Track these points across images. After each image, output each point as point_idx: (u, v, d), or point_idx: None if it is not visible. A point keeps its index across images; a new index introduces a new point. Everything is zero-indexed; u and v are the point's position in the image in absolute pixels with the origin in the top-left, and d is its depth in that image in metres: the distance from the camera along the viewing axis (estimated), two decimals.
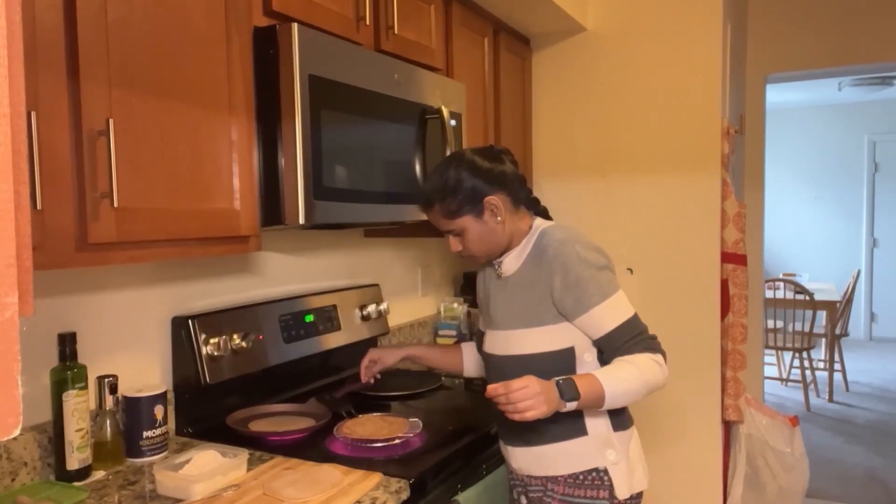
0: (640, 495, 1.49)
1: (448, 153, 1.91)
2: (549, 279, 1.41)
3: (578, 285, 1.39)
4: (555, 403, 1.28)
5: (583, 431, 1.44)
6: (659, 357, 1.40)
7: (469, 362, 1.77)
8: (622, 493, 1.44)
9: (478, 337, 1.71)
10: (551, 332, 1.43)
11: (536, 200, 1.56)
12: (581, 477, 1.44)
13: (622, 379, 1.35)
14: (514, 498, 1.60)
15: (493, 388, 1.29)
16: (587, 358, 1.44)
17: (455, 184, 1.43)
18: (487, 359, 1.55)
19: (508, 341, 1.48)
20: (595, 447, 1.44)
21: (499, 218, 1.45)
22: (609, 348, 1.41)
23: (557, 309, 1.42)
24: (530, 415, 1.25)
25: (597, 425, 1.44)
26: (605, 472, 1.43)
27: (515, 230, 1.49)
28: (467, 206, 1.44)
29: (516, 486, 1.58)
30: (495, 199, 1.44)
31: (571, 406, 1.31)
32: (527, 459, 1.49)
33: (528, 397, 1.25)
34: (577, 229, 1.49)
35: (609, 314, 1.40)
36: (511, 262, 1.50)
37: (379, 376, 1.83)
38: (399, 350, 1.78)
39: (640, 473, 1.49)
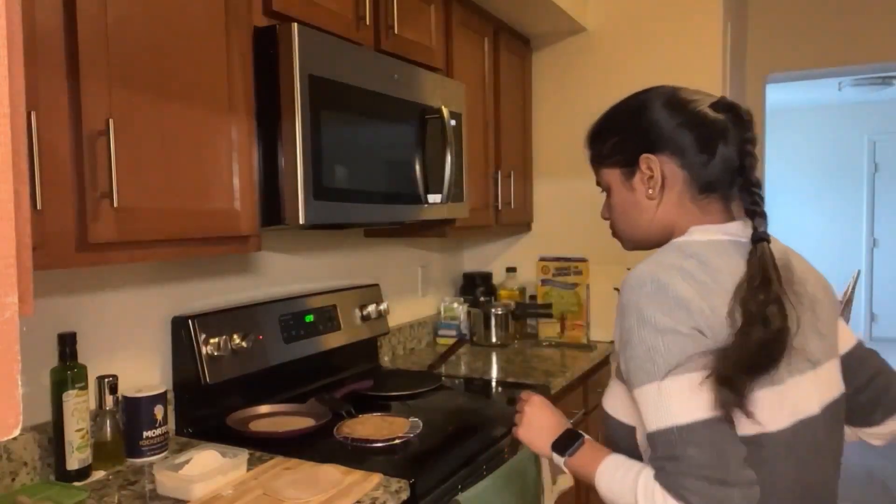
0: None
1: (448, 154, 1.91)
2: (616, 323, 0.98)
3: (623, 348, 0.94)
4: (540, 444, 1.10)
5: None
6: (651, 494, 0.88)
7: None
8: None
9: None
10: (623, 394, 1.00)
11: (756, 202, 0.98)
12: None
13: (615, 485, 0.95)
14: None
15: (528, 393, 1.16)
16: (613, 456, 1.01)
17: (615, 119, 1.07)
18: None
19: (608, 387, 1.07)
20: None
21: (650, 191, 1.02)
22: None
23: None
24: (515, 433, 1.14)
25: None
26: None
27: (678, 224, 1.03)
28: (616, 155, 1.05)
29: None
30: (655, 162, 1.01)
31: (558, 460, 1.06)
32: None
33: (521, 416, 1.13)
34: (697, 256, 0.96)
35: (644, 408, 0.91)
36: None
37: None
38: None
39: None
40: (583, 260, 2.79)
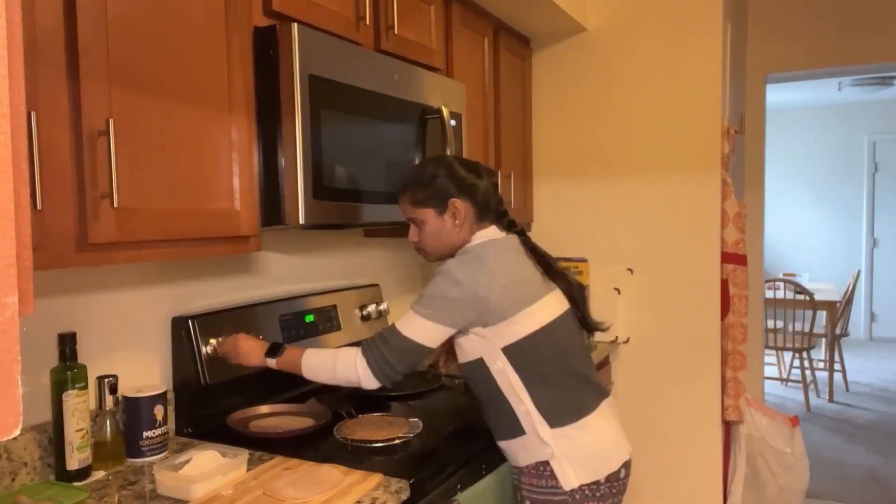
0: (600, 484, 1.49)
1: (448, 153, 1.92)
2: None
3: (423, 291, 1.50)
4: (254, 357, 1.59)
5: (521, 430, 1.51)
6: (361, 360, 1.48)
7: None
8: (567, 483, 1.48)
9: None
10: (463, 342, 1.55)
11: (512, 223, 1.64)
12: (541, 468, 1.50)
13: (318, 358, 1.53)
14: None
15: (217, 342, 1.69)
16: (498, 364, 1.51)
17: (430, 177, 1.55)
18: None
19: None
20: (534, 443, 1.50)
21: (457, 221, 1.55)
22: None
23: None
24: (229, 358, 1.62)
25: (529, 424, 1.49)
26: (549, 465, 1.49)
27: (468, 240, 1.58)
28: (433, 201, 1.54)
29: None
30: (460, 204, 1.54)
31: (271, 362, 1.57)
32: (503, 450, 1.59)
33: (228, 349, 1.62)
34: (488, 249, 1.52)
35: (403, 317, 1.49)
36: None
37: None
38: None
39: (594, 465, 1.49)
40: (583, 260, 2.79)
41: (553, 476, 1.49)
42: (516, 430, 1.51)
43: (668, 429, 2.77)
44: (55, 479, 1.38)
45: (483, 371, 1.51)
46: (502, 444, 1.57)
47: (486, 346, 1.49)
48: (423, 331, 1.46)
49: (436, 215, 1.55)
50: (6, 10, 0.44)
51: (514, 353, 1.48)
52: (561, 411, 1.51)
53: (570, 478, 1.48)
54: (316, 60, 1.50)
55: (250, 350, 1.59)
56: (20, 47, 0.46)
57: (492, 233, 1.59)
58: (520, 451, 1.53)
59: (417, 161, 1.88)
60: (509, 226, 1.64)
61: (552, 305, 1.53)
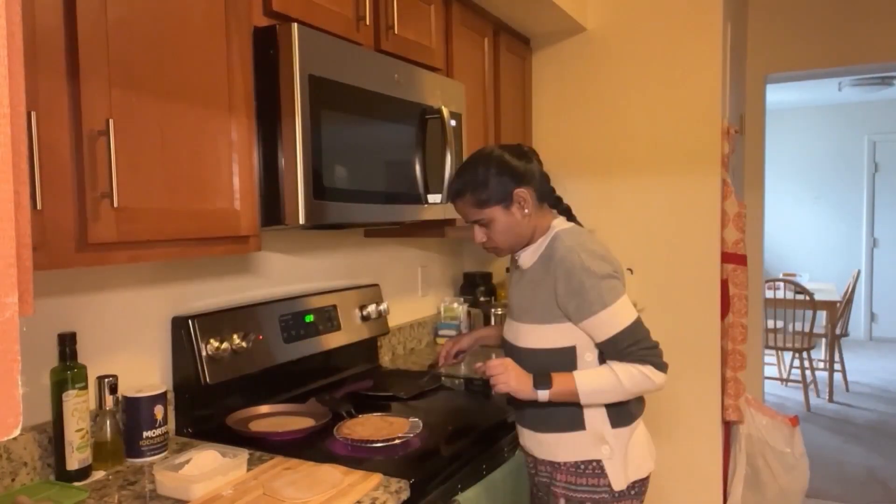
0: (643, 480, 1.56)
1: (448, 154, 1.92)
2: (554, 283, 1.47)
3: (580, 293, 1.44)
4: (526, 389, 1.46)
5: (581, 426, 1.50)
6: (648, 368, 1.45)
7: None
8: (618, 484, 1.50)
9: None
10: (554, 331, 1.49)
11: (559, 199, 1.63)
12: (582, 466, 1.50)
13: (597, 382, 1.45)
14: (529, 475, 1.69)
15: (479, 365, 1.51)
16: (588, 357, 1.50)
17: (485, 176, 1.51)
18: (503, 344, 1.64)
19: (519, 333, 1.55)
20: (591, 441, 1.50)
21: (526, 210, 1.52)
22: (609, 352, 1.48)
23: (562, 311, 1.48)
24: (499, 388, 1.47)
25: (594, 422, 1.50)
26: (601, 463, 1.50)
27: (538, 225, 1.56)
28: (497, 197, 1.50)
29: (528, 464, 1.67)
30: (524, 192, 1.51)
31: (543, 395, 1.45)
32: (532, 442, 1.58)
33: (498, 373, 1.47)
34: (587, 235, 1.55)
35: (608, 322, 1.45)
36: (528, 257, 1.57)
37: (457, 360, 1.86)
38: (472, 334, 1.87)
39: (641, 462, 1.55)
40: None
41: (601, 475, 1.49)
42: (575, 424, 1.50)
43: (668, 428, 2.77)
44: (55, 479, 1.38)
45: (568, 359, 1.49)
46: (548, 436, 1.53)
47: (581, 335, 1.48)
48: (629, 306, 1.48)
49: (503, 211, 1.51)
50: (6, 10, 0.44)
51: (605, 348, 1.47)
52: (623, 412, 1.53)
53: (620, 479, 1.50)
54: (316, 60, 1.50)
55: (522, 383, 1.48)
56: (20, 47, 0.46)
57: (563, 222, 1.59)
58: (568, 447, 1.51)
59: (418, 161, 1.88)
60: (557, 202, 1.63)
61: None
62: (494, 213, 1.52)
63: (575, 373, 1.46)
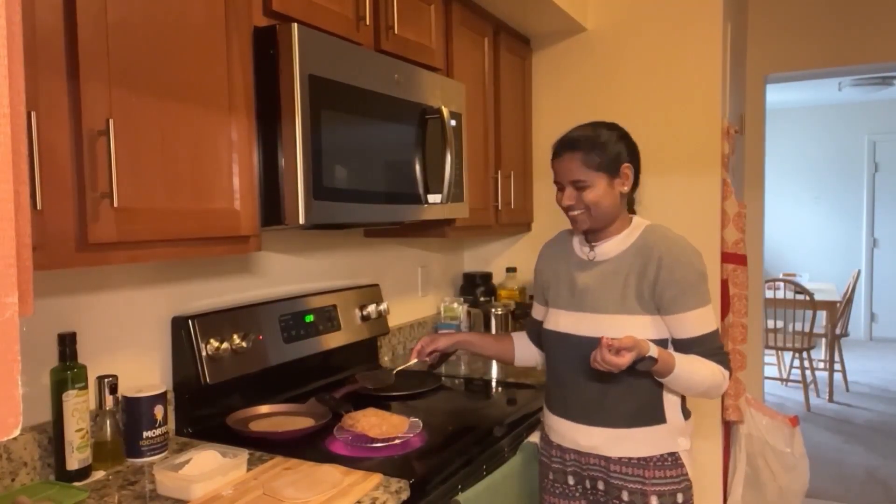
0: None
1: (448, 154, 1.92)
2: (656, 272, 1.47)
3: (681, 286, 1.46)
4: (644, 345, 1.38)
5: (662, 419, 1.53)
6: (726, 373, 1.50)
7: (521, 351, 1.81)
8: (692, 473, 1.57)
9: (531, 325, 1.79)
10: (646, 322, 1.49)
11: (633, 201, 1.65)
12: (668, 459, 1.53)
13: (693, 366, 1.45)
14: (555, 479, 1.65)
15: (610, 342, 1.36)
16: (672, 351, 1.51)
17: (608, 139, 1.49)
18: (562, 339, 1.57)
19: (603, 324, 1.51)
20: (671, 434, 1.54)
21: (625, 188, 1.52)
22: (687, 351, 1.49)
23: (654, 302, 1.48)
24: (623, 360, 1.36)
25: (673, 415, 1.54)
26: (678, 456, 1.54)
27: (622, 213, 1.55)
28: (608, 165, 1.48)
29: (566, 465, 1.62)
30: (629, 170, 1.51)
31: (653, 350, 1.39)
32: (601, 439, 1.54)
33: (628, 347, 1.36)
34: (681, 234, 1.56)
35: (699, 322, 1.48)
36: (611, 247, 1.55)
37: (429, 360, 1.78)
38: (452, 336, 1.78)
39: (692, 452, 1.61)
40: None
41: (682, 465, 1.54)
42: (658, 417, 1.52)
43: None
44: (55, 479, 1.38)
45: None
46: (632, 431, 1.51)
47: (665, 331, 1.49)
48: (713, 315, 1.52)
49: (607, 180, 1.49)
50: (6, 10, 0.44)
51: (685, 347, 1.48)
52: (686, 407, 1.61)
53: (690, 468, 1.56)
54: (316, 60, 1.50)
55: (638, 342, 1.41)
56: (20, 47, 0.46)
57: (644, 219, 1.59)
58: (654, 441, 1.52)
59: (418, 161, 1.88)
60: (632, 205, 1.65)
61: None
62: (598, 180, 1.49)
63: (675, 354, 1.45)
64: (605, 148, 1.48)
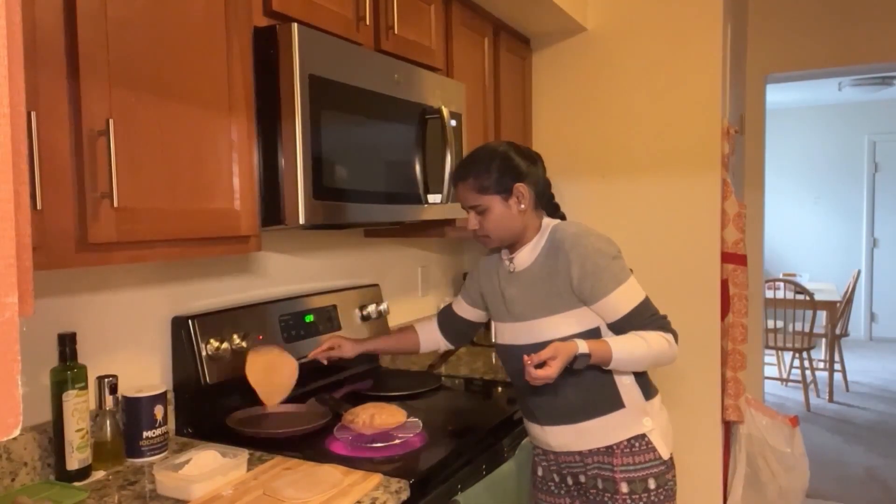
0: (672, 458, 1.60)
1: (448, 154, 1.92)
2: (567, 269, 1.51)
3: (595, 273, 1.49)
4: (571, 347, 1.42)
5: (621, 404, 1.54)
6: (669, 335, 1.52)
7: (425, 338, 1.87)
8: (664, 453, 1.56)
9: (445, 312, 1.87)
10: (575, 316, 1.53)
11: (557, 207, 1.68)
12: (635, 444, 1.54)
13: (628, 345, 1.47)
14: (545, 476, 1.69)
15: (533, 357, 1.40)
16: (609, 336, 1.53)
17: (491, 164, 1.54)
18: (507, 350, 1.63)
19: (535, 330, 1.55)
20: (633, 416, 1.55)
21: (522, 206, 1.55)
22: (624, 330, 1.51)
23: (577, 296, 1.51)
24: (552, 372, 1.39)
25: (631, 397, 1.55)
26: (648, 439, 1.55)
27: (530, 225, 1.59)
28: (498, 187, 1.54)
29: (549, 464, 1.67)
30: (524, 188, 1.54)
31: (583, 346, 1.42)
32: (568, 437, 1.57)
33: (551, 364, 1.40)
34: (585, 224, 1.60)
35: (623, 299, 1.51)
36: (524, 257, 1.59)
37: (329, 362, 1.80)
38: (359, 344, 1.82)
39: (671, 436, 1.61)
40: None
41: (649, 449, 1.54)
42: (615, 403, 1.54)
43: None
44: (55, 479, 1.38)
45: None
46: (594, 422, 1.54)
47: (598, 318, 1.52)
48: (637, 283, 1.55)
49: (501, 201, 1.54)
50: (6, 10, 0.44)
51: (621, 326, 1.51)
52: (649, 384, 1.61)
53: (664, 448, 1.56)
54: (316, 60, 1.50)
55: (566, 349, 1.43)
56: (20, 47, 0.46)
57: (553, 220, 1.63)
58: (616, 428, 1.54)
59: (418, 161, 1.88)
60: (555, 210, 1.67)
61: None
62: (492, 202, 1.54)
63: (607, 338, 1.48)
64: (488, 172, 1.53)
